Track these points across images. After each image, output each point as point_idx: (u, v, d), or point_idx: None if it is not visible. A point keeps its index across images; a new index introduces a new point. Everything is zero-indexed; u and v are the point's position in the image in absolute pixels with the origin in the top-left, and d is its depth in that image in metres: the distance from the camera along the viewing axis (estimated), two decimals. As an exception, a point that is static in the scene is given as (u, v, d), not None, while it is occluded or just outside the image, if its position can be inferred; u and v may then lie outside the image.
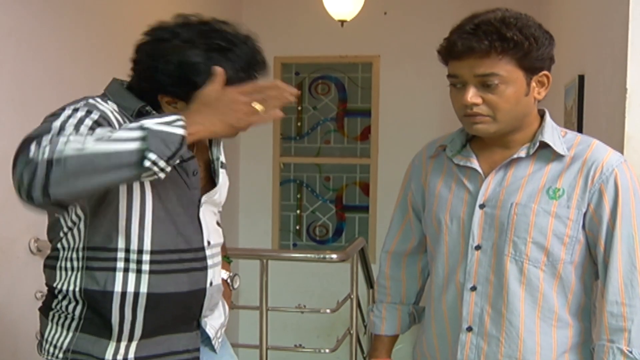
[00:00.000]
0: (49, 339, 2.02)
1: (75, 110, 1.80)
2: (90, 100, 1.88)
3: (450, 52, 1.94)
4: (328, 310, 4.11)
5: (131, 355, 1.97)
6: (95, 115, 1.80)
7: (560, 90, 4.18)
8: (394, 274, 2.31)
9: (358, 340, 4.39)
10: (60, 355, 1.99)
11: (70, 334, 1.98)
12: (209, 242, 2.07)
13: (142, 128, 1.64)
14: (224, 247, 2.32)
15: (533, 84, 1.95)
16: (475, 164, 2.06)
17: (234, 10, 6.14)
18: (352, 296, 4.11)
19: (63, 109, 1.82)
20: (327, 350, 4.06)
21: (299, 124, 6.89)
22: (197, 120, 1.72)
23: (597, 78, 3.22)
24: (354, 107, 6.81)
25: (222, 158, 2.19)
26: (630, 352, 1.90)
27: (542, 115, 2.05)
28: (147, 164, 1.62)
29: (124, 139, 1.62)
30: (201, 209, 2.05)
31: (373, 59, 6.63)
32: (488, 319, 2.02)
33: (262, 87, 1.79)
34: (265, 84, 1.80)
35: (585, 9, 3.67)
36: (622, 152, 2.56)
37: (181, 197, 1.98)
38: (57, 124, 1.72)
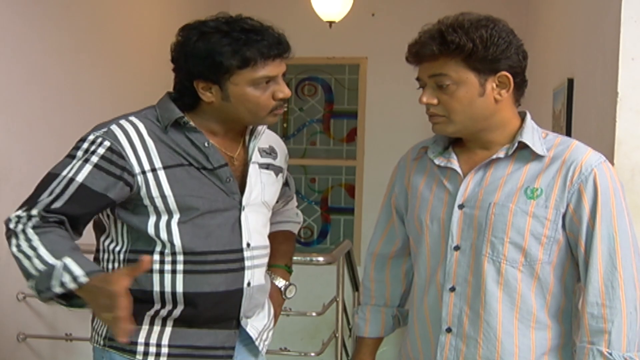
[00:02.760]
0: (94, 326, 2.18)
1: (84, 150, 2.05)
2: (112, 127, 2.07)
3: (407, 58, 2.03)
4: (314, 313, 4.08)
5: (165, 341, 2.12)
6: (101, 150, 2.03)
7: (549, 93, 4.17)
8: (378, 277, 2.32)
9: (343, 344, 4.36)
10: (101, 341, 2.15)
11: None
12: (248, 244, 2.15)
13: (49, 264, 1.92)
14: (287, 256, 2.47)
15: (491, 85, 1.98)
16: (455, 164, 2.08)
17: (220, 10, 6.11)
18: (338, 299, 4.08)
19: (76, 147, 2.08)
20: (312, 354, 4.02)
21: (285, 125, 6.86)
22: (84, 293, 1.91)
23: (587, 82, 3.20)
24: (340, 108, 6.79)
25: (269, 161, 2.29)
26: (610, 354, 1.90)
27: (523, 117, 2.08)
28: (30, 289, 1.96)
29: (35, 264, 1.94)
30: (243, 212, 2.15)
31: (360, 60, 6.63)
32: (466, 320, 2.03)
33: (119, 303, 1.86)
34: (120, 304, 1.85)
35: (575, 10, 3.65)
36: (612, 157, 2.55)
37: (214, 202, 2.10)
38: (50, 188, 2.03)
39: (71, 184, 2.01)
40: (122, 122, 2.09)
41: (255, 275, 2.18)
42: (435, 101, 1.99)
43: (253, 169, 2.20)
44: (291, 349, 4.05)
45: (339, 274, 4.13)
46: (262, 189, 2.22)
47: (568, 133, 3.51)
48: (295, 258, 4.38)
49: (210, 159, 2.10)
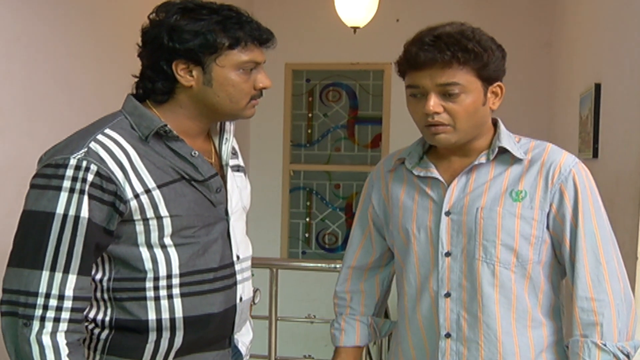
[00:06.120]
0: None
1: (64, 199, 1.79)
2: (92, 145, 1.84)
3: (411, 63, 2.00)
4: (338, 320, 4.05)
5: None
6: (89, 176, 1.80)
7: (575, 99, 4.13)
8: (354, 287, 2.35)
9: (368, 351, 4.35)
10: None
11: (98, 357, 1.92)
12: (238, 257, 2.05)
13: None
14: None
15: (489, 94, 2.02)
16: (436, 173, 2.11)
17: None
18: (362, 306, 4.06)
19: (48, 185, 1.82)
20: (336, 361, 4.00)
21: (309, 131, 6.86)
22: None
23: (614, 87, 3.17)
24: (364, 114, 6.78)
25: (237, 162, 2.16)
26: (605, 345, 1.96)
27: (494, 124, 2.12)
28: None
29: None
30: (231, 222, 2.03)
31: (385, 66, 6.60)
32: (465, 324, 2.06)
33: None
34: None
35: (602, 14, 3.62)
36: (640, 162, 2.53)
37: (207, 217, 1.96)
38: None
39: (79, 223, 1.78)
40: (101, 137, 1.85)
41: (245, 289, 2.08)
42: (441, 109, 1.98)
43: (229, 174, 2.08)
44: (315, 356, 4.05)
45: (363, 281, 4.11)
46: (239, 193, 2.11)
47: (595, 138, 3.47)
48: (319, 265, 4.39)
49: (200, 169, 1.94)
